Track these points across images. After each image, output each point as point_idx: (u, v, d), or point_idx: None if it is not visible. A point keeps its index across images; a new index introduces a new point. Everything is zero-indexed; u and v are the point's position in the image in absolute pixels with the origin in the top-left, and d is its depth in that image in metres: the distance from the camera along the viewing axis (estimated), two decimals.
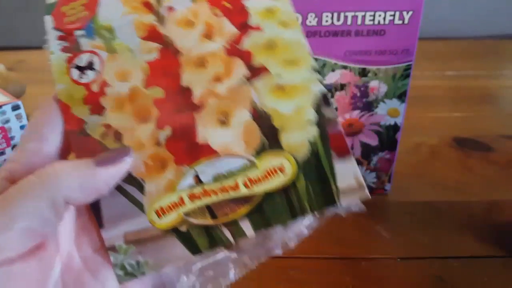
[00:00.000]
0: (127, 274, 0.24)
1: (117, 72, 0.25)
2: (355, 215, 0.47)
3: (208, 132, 0.24)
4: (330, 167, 0.23)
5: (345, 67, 0.42)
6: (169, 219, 0.24)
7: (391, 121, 0.45)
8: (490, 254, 0.42)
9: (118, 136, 0.24)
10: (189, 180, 0.24)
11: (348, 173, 0.23)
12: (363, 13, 0.39)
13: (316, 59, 0.41)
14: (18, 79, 0.71)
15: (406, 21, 0.39)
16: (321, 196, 0.23)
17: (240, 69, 0.24)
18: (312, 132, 0.24)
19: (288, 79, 0.24)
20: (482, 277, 0.40)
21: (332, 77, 0.42)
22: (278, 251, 0.25)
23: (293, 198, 0.24)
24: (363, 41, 0.40)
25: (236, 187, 0.24)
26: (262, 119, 0.24)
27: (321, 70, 0.42)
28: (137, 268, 0.24)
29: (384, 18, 0.39)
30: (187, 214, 0.24)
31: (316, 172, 0.23)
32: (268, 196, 0.24)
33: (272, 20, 0.25)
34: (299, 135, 0.24)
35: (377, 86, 0.43)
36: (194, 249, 0.24)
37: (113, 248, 0.24)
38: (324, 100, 0.24)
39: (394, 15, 0.39)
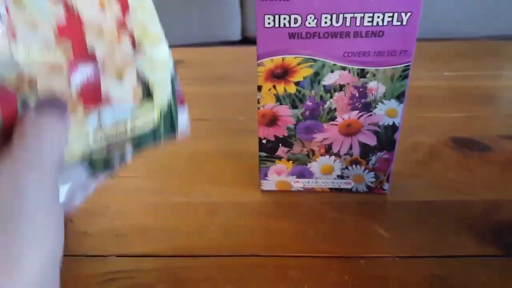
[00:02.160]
0: None
1: (27, 20, 0.26)
2: (354, 215, 0.47)
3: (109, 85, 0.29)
4: (176, 116, 0.32)
5: (344, 68, 0.42)
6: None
7: (389, 121, 0.45)
8: (489, 253, 0.42)
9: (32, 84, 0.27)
10: (94, 120, 0.29)
11: (183, 119, 0.33)
12: (361, 15, 0.39)
13: (315, 60, 0.42)
14: None
15: (404, 23, 0.40)
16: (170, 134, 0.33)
17: (127, 42, 0.29)
18: (170, 90, 0.31)
19: (155, 55, 0.30)
20: (481, 277, 0.40)
21: (331, 78, 0.43)
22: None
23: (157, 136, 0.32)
24: (362, 42, 0.41)
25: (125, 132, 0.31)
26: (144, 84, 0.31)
27: (321, 71, 0.42)
28: None
29: (383, 20, 0.40)
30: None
31: (170, 120, 0.32)
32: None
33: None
34: (164, 94, 0.31)
35: (375, 87, 0.43)
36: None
37: None
38: (173, 66, 0.31)
39: (392, 17, 0.39)
